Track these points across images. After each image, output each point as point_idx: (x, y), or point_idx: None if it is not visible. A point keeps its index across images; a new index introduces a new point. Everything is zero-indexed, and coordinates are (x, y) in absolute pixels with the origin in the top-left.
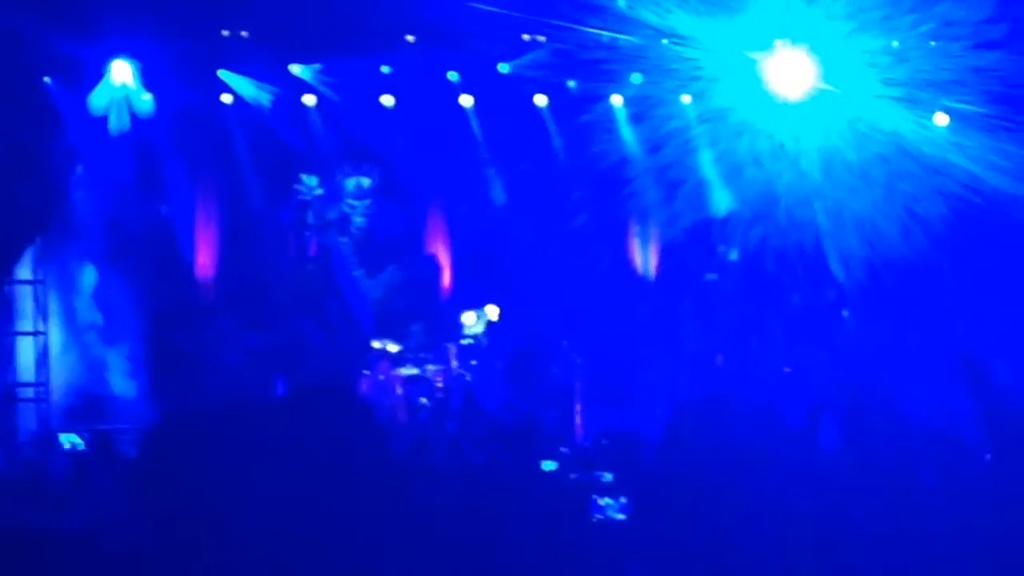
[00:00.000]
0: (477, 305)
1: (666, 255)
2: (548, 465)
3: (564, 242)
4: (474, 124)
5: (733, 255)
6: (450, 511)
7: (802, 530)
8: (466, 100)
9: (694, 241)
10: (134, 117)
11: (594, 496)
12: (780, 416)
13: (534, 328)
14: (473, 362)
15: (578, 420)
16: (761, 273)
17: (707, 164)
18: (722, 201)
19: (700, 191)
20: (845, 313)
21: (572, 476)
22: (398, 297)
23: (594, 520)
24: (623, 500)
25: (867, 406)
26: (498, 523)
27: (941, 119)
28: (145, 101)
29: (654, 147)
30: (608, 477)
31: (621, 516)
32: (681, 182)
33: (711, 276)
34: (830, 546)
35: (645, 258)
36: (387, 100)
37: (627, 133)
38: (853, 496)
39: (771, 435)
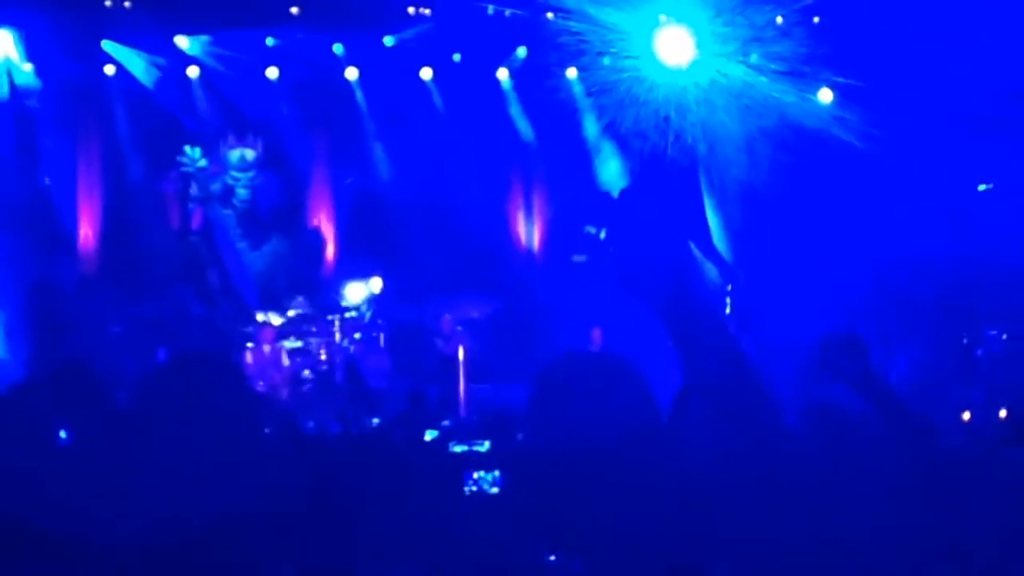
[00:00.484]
0: (362, 278)
1: (549, 231)
2: (431, 434)
3: (449, 216)
4: (359, 96)
5: (603, 234)
6: (330, 482)
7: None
8: (351, 73)
9: (570, 218)
10: (15, 87)
11: (470, 469)
12: (645, 391)
13: (418, 301)
14: (357, 335)
15: (461, 393)
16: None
17: (593, 137)
18: (609, 175)
19: (586, 165)
20: (729, 287)
21: (452, 448)
22: (281, 270)
23: (468, 491)
24: (496, 473)
25: (736, 386)
26: (376, 493)
27: (825, 95)
28: (26, 72)
29: (540, 120)
30: (485, 448)
31: (495, 490)
32: (567, 156)
33: (579, 258)
34: (696, 515)
35: (530, 233)
36: (272, 72)
37: (513, 106)
38: (715, 472)
39: (638, 411)
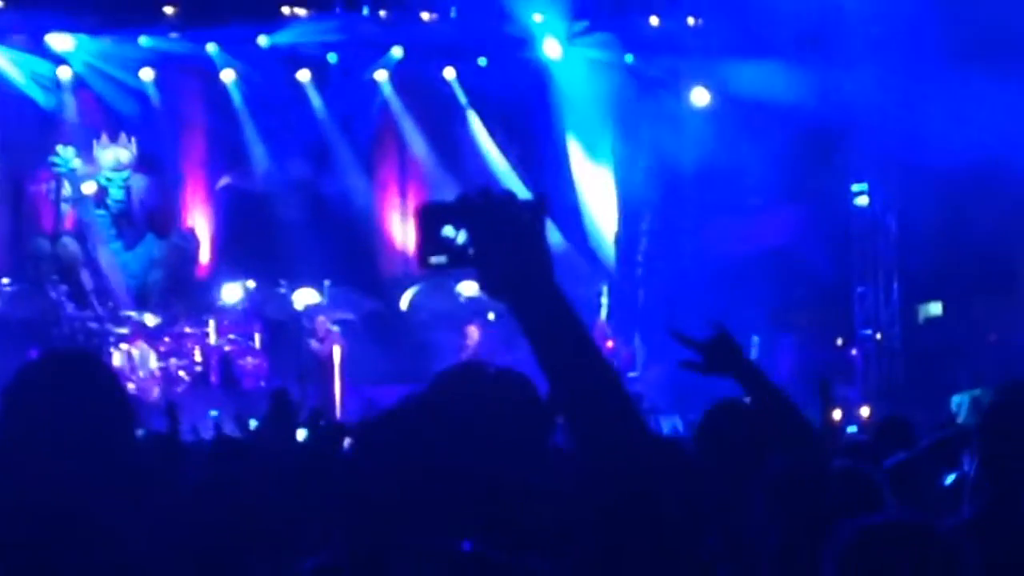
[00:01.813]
0: (237, 278)
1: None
2: (302, 435)
3: (326, 217)
4: (235, 97)
5: (461, 237)
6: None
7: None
8: (227, 74)
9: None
10: None
11: (340, 468)
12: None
13: (292, 303)
14: (232, 336)
15: (336, 395)
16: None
17: (475, 134)
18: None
19: (466, 161)
20: (604, 289)
21: (325, 449)
22: (156, 270)
23: (338, 489)
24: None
25: (599, 399)
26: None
27: (700, 96)
28: None
29: (418, 119)
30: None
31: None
32: (445, 154)
33: (438, 260)
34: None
35: (404, 231)
36: (146, 73)
37: (395, 104)
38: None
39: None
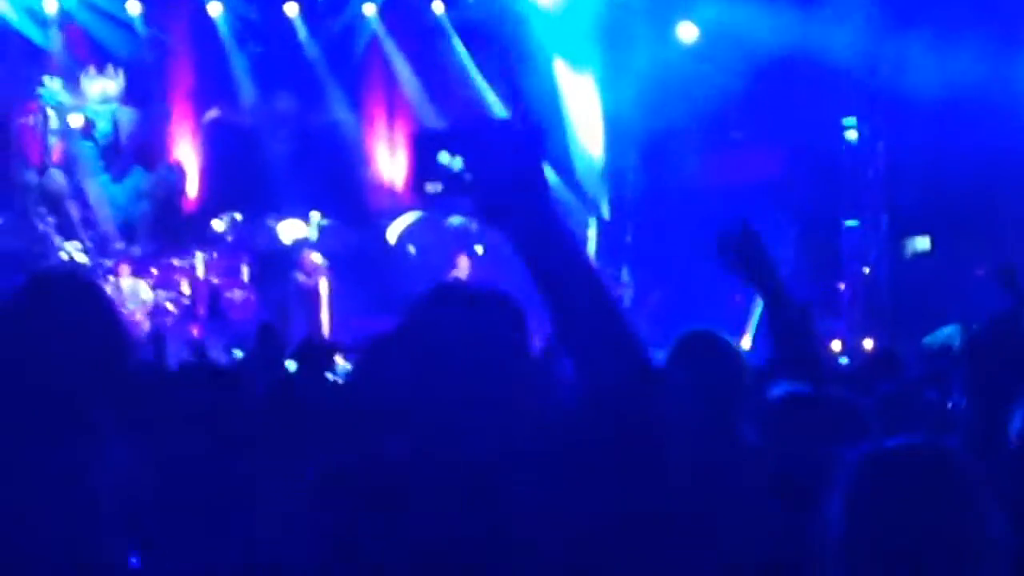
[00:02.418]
0: (225, 212)
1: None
2: (291, 366)
3: (313, 148)
4: (223, 30)
5: (457, 163)
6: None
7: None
8: (214, 7)
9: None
10: None
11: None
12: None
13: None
14: (220, 268)
15: (324, 327)
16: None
17: (464, 66)
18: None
19: (455, 93)
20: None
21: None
22: (143, 203)
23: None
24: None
25: (597, 326)
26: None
27: (688, 31)
28: None
29: (407, 52)
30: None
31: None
32: (434, 87)
33: (433, 187)
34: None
35: (393, 164)
36: (133, 6)
37: (383, 37)
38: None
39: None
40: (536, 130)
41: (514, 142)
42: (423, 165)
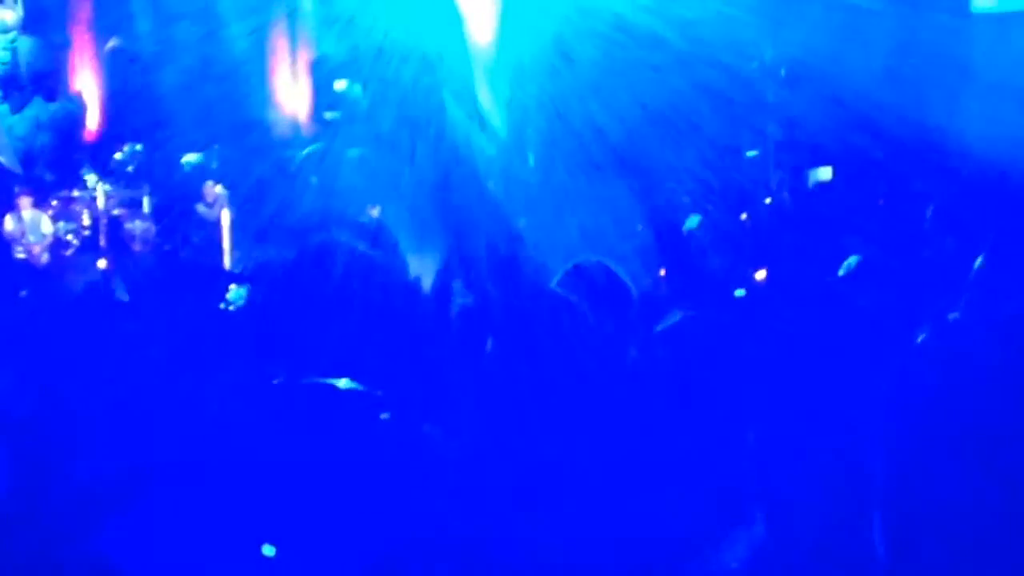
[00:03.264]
0: (125, 142)
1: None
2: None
3: (216, 81)
4: None
5: (357, 89)
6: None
7: None
8: None
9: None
10: None
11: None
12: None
13: (182, 166)
14: (121, 199)
15: (227, 252)
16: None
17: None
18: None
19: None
20: None
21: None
22: (43, 134)
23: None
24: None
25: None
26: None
27: None
28: None
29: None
30: (241, 296)
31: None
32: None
33: (331, 114)
34: None
35: (293, 94)
36: None
37: None
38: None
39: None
40: (435, 60)
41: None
42: (320, 93)
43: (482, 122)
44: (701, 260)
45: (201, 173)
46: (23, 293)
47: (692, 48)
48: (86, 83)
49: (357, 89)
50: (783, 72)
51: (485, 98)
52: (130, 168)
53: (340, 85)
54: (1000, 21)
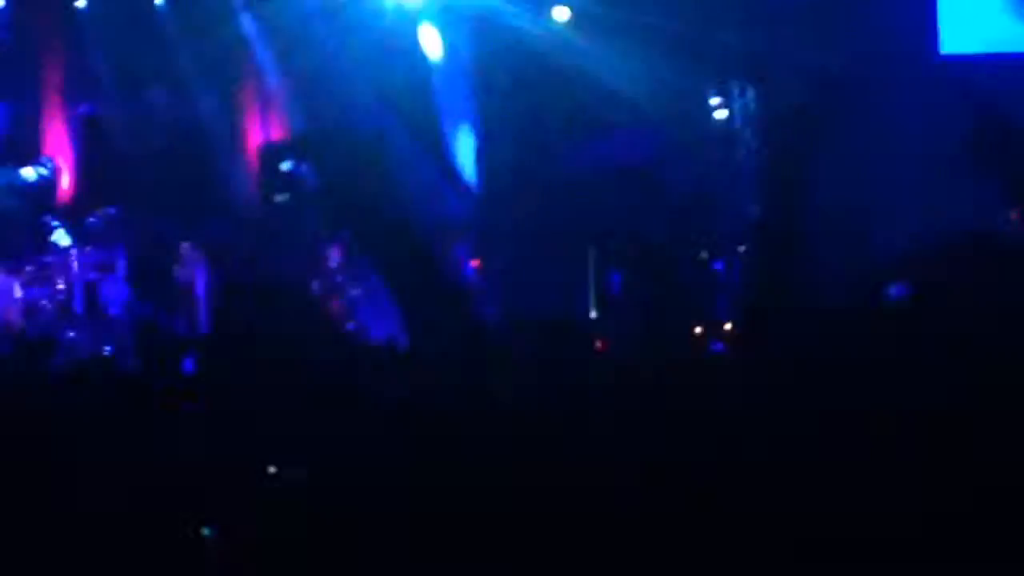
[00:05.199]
0: (99, 206)
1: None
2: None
3: (185, 142)
4: (89, 23)
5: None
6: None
7: None
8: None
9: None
10: None
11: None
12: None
13: (158, 229)
14: (95, 264)
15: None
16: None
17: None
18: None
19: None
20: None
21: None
22: (16, 198)
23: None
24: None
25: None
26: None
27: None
28: None
29: (275, 45)
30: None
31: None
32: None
33: (281, 197)
34: None
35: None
36: None
37: (251, 30)
38: None
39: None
40: (380, 134)
41: (357, 148)
42: (269, 175)
43: (456, 178)
44: None
45: (176, 236)
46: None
47: None
48: (58, 147)
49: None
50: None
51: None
52: (104, 233)
53: (285, 166)
54: None
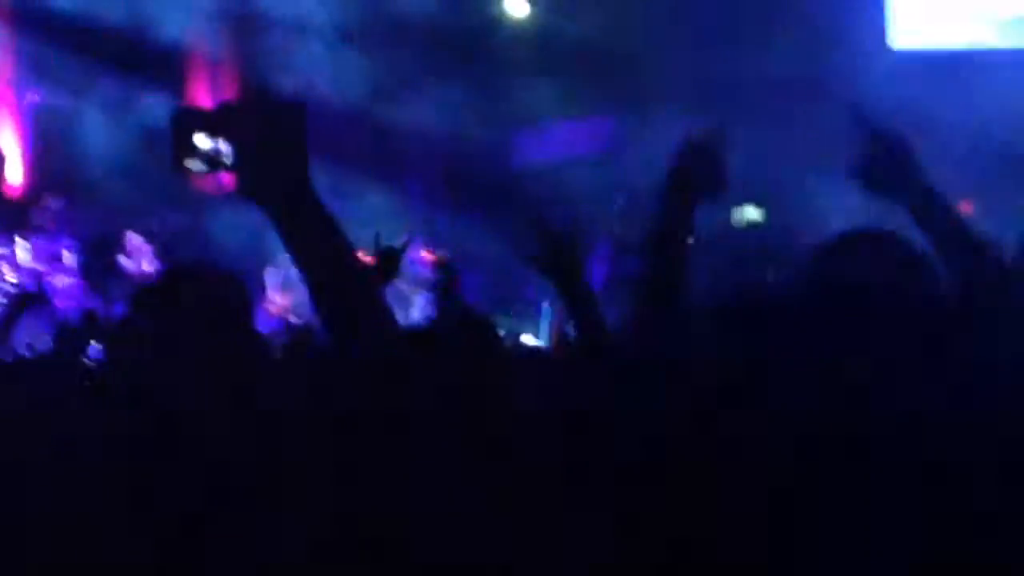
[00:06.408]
0: (47, 196)
1: None
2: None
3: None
4: (41, 9)
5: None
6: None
7: None
8: None
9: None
10: None
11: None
12: None
13: (109, 218)
14: (43, 255)
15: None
16: None
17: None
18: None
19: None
20: None
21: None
22: None
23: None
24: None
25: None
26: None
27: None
28: None
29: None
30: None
31: None
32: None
33: (198, 167)
34: None
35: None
36: None
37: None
38: None
39: None
40: (299, 106)
41: (276, 119)
42: (181, 144)
43: None
44: None
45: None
46: None
47: None
48: (5, 137)
49: (222, 144)
50: None
51: None
52: (51, 223)
53: (199, 139)
54: None
